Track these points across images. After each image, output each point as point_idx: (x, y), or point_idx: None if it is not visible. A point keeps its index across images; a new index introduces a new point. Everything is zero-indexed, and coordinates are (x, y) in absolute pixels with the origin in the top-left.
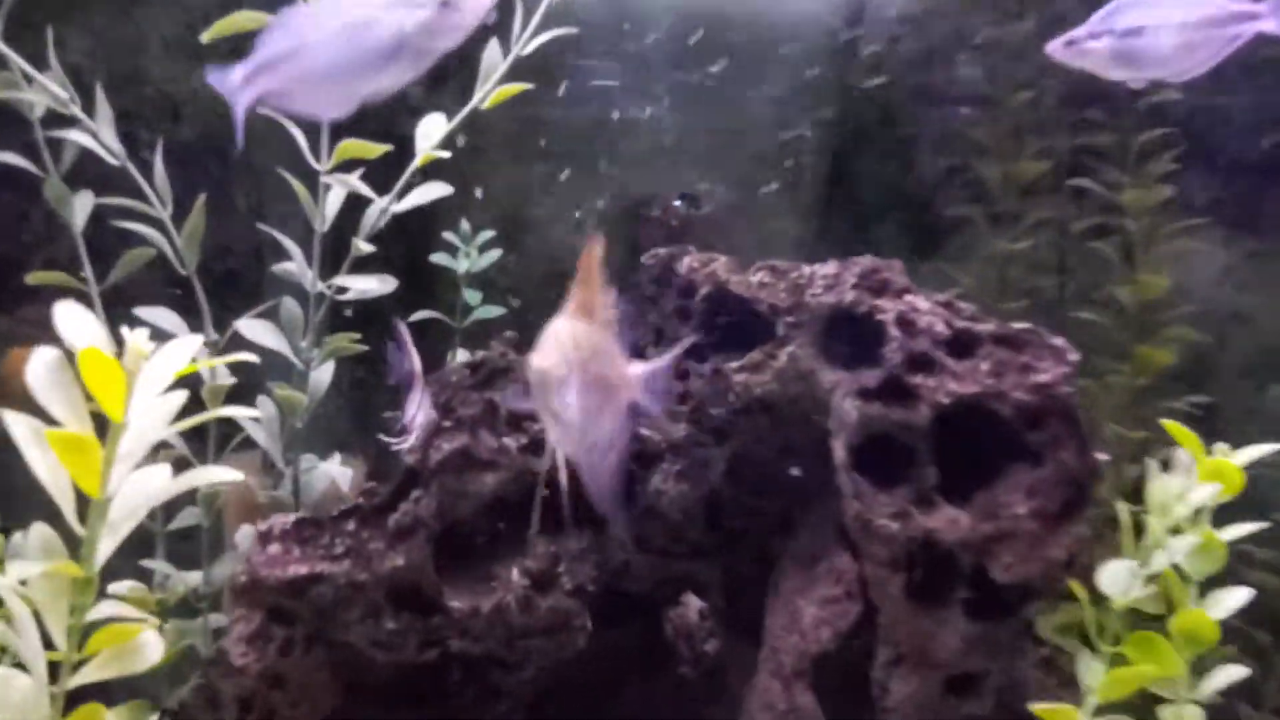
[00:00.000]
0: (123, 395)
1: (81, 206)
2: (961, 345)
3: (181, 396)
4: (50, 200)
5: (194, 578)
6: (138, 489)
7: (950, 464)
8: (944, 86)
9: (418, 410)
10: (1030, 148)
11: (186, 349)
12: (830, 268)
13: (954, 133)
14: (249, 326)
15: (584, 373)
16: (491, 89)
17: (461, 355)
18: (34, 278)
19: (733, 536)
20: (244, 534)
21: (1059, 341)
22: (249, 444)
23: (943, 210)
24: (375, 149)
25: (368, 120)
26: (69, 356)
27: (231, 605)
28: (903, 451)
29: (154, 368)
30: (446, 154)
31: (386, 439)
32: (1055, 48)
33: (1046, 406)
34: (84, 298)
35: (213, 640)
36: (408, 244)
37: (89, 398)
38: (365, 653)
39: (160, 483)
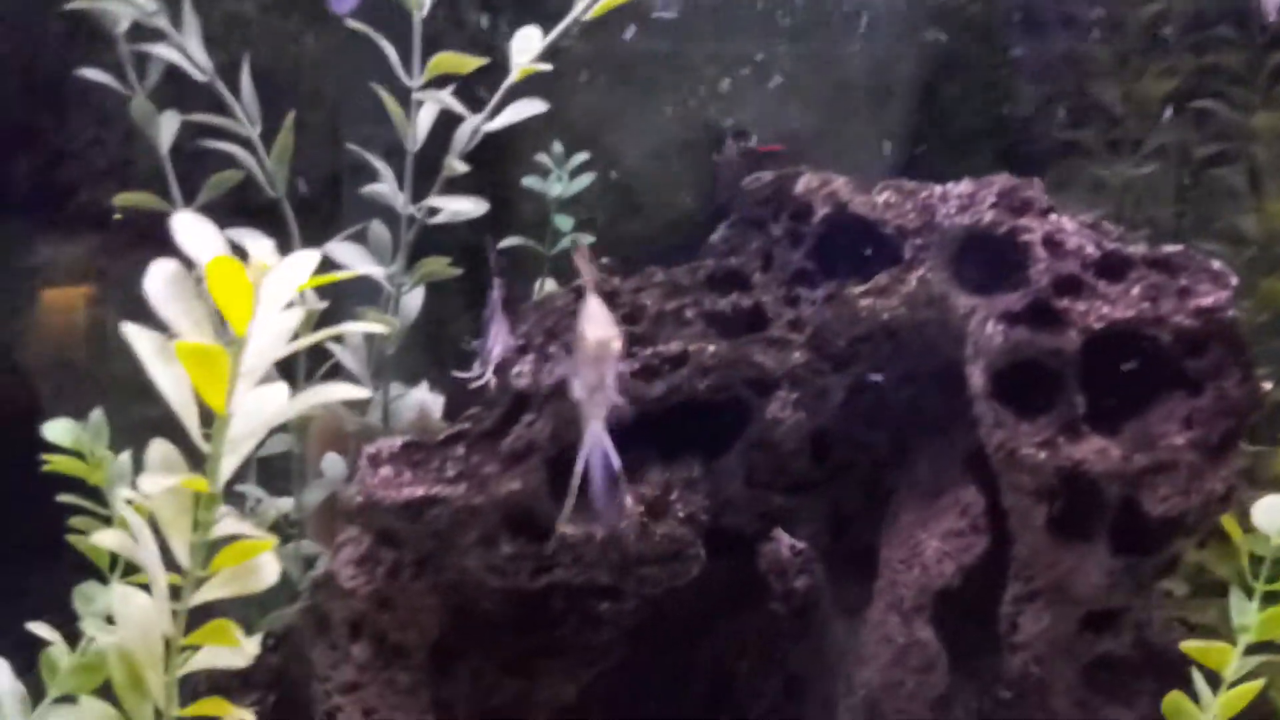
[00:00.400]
0: (250, 308)
1: (167, 126)
2: (1112, 268)
3: (299, 314)
4: (136, 119)
5: (285, 503)
6: (259, 406)
7: (1091, 392)
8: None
9: (494, 340)
10: (1153, 67)
11: (307, 263)
12: (965, 186)
13: (1062, 53)
14: (339, 249)
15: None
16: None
17: (549, 284)
18: (122, 199)
19: (840, 469)
20: (330, 461)
21: (1217, 265)
22: (335, 372)
23: (1045, 136)
24: (471, 62)
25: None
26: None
27: (321, 530)
28: (1047, 379)
29: (275, 282)
30: (547, 66)
31: (461, 373)
32: None
33: (1210, 332)
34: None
35: (304, 567)
36: (480, 168)
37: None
38: (476, 578)
39: (280, 401)
